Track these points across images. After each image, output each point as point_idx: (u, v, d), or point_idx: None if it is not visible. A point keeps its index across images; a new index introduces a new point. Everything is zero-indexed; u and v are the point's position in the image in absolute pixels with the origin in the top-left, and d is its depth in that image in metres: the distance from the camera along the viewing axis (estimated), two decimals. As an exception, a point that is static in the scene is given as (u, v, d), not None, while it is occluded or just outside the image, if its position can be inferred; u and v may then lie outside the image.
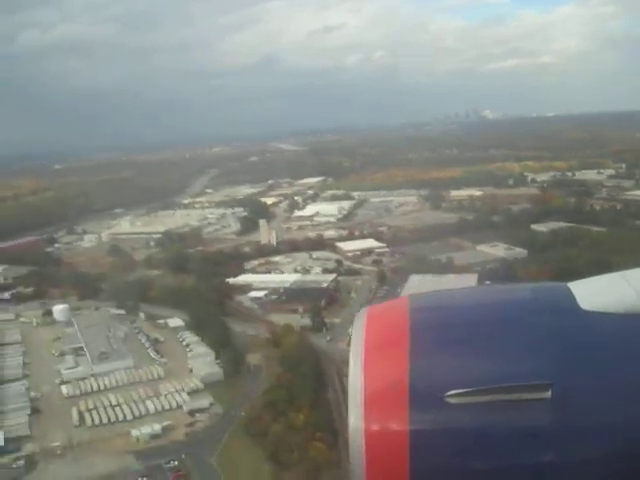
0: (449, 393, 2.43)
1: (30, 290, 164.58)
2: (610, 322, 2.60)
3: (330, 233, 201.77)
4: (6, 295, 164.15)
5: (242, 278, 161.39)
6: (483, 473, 2.43)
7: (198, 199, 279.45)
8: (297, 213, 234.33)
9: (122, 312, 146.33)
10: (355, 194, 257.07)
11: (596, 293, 2.81)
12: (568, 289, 2.88)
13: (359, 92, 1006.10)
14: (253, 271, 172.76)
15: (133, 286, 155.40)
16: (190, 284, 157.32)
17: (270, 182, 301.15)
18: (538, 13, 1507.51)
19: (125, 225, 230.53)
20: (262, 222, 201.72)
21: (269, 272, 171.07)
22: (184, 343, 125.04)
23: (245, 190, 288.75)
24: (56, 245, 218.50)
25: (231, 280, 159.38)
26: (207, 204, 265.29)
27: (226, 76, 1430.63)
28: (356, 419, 2.50)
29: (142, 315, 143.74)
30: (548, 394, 2.40)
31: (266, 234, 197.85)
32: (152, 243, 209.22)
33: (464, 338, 2.64)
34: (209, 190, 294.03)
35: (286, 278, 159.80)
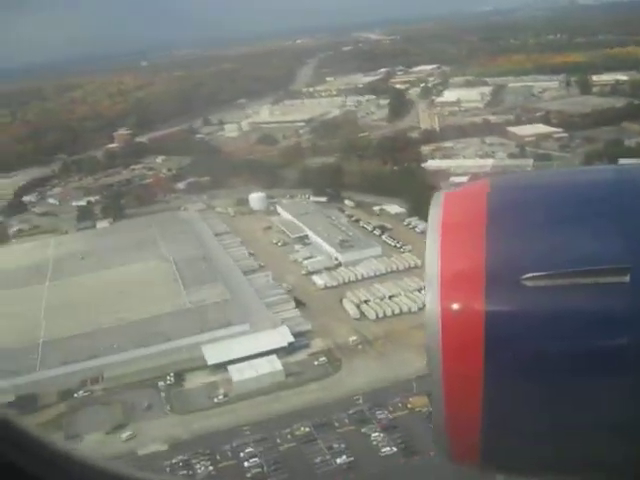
0: (526, 276, 2.33)
1: (206, 180, 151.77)
2: None
3: (491, 118, 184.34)
4: (181, 185, 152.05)
5: (434, 163, 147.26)
6: (558, 356, 2.34)
7: (318, 87, 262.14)
8: (438, 99, 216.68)
9: (323, 199, 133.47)
10: (488, 80, 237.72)
11: None
12: None
13: None
14: (430, 157, 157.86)
15: (324, 173, 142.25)
16: (381, 170, 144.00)
17: (383, 70, 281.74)
18: None
19: (264, 114, 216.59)
20: (422, 107, 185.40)
21: (449, 157, 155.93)
22: (417, 230, 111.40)
23: (363, 78, 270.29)
24: (198, 135, 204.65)
25: (424, 165, 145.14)
26: (333, 92, 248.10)
27: None
28: (432, 300, 2.44)
29: (348, 202, 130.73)
30: (627, 278, 2.27)
31: (427, 120, 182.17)
32: (301, 131, 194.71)
33: (542, 221, 2.50)
34: (329, 78, 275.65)
35: (482, 162, 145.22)
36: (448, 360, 2.41)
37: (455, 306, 2.38)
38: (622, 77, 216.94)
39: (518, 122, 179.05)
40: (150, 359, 79.66)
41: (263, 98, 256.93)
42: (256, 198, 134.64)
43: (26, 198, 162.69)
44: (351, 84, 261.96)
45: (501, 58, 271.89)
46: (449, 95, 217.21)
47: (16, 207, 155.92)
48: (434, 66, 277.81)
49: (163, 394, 76.36)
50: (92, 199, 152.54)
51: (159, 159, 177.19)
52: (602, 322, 2.28)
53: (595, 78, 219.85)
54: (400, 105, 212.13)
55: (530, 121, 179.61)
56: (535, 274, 2.32)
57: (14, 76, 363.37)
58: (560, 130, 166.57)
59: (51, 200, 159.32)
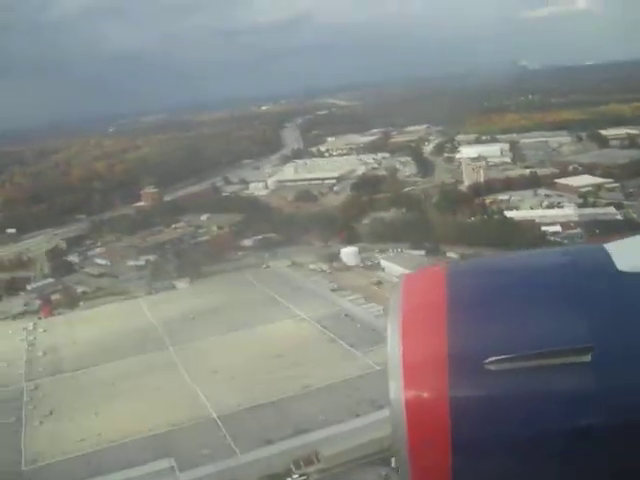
0: (489, 360, 2.26)
1: (272, 236, 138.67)
2: None
3: (526, 171, 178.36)
4: (248, 242, 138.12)
5: (516, 214, 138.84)
6: (525, 439, 2.25)
7: (321, 147, 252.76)
8: (458, 156, 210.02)
9: (421, 253, 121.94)
10: (498, 137, 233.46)
11: (633, 254, 2.59)
12: (605, 250, 2.65)
13: (390, 46, 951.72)
14: (489, 208, 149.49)
15: (396, 226, 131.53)
16: (460, 221, 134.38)
17: (376, 130, 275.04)
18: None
19: (289, 172, 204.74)
20: (465, 162, 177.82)
21: (513, 209, 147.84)
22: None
23: (360, 138, 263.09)
24: (225, 193, 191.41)
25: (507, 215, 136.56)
26: (342, 151, 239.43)
27: (256, 33, 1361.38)
28: (396, 388, 2.34)
29: (452, 255, 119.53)
30: (588, 357, 2.22)
31: (470, 174, 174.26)
32: (336, 188, 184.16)
33: (502, 304, 2.46)
34: (330, 138, 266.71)
35: (565, 212, 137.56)
36: (415, 452, 2.29)
37: (419, 395, 2.28)
38: (632, 131, 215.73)
39: (562, 174, 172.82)
40: (370, 430, 65.24)
41: (267, 158, 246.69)
42: (349, 253, 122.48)
43: (67, 258, 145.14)
44: (351, 144, 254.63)
45: (494, 117, 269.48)
46: (467, 151, 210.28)
47: (64, 268, 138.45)
48: (424, 126, 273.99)
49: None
50: (150, 258, 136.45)
51: (204, 217, 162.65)
52: (568, 402, 2.22)
53: (604, 132, 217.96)
54: (423, 162, 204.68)
55: (570, 173, 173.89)
56: (498, 358, 2.24)
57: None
58: (610, 180, 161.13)
59: (99, 260, 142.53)
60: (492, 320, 2.39)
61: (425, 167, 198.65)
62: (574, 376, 2.23)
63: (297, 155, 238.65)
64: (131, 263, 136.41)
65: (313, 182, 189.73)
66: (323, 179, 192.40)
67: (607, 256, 2.54)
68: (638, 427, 2.20)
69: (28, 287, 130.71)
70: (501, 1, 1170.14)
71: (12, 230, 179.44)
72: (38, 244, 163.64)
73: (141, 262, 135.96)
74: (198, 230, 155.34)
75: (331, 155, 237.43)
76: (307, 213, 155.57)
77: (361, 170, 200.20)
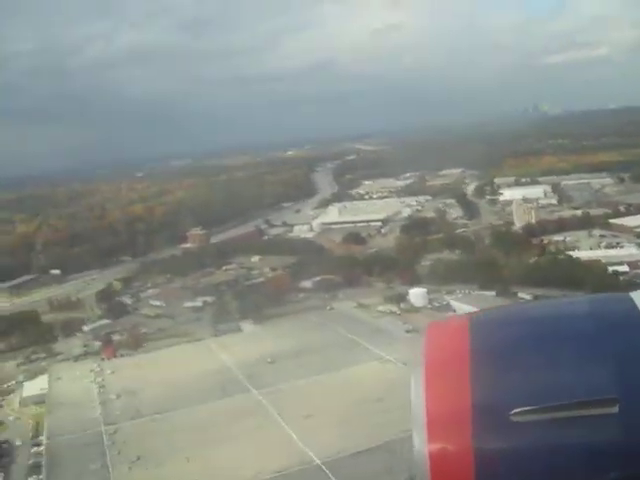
0: (514, 411, 2.24)
1: (331, 278, 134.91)
2: None
3: (576, 212, 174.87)
4: (308, 284, 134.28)
5: (582, 254, 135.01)
6: None
7: (360, 190, 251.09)
8: (501, 198, 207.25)
9: (491, 293, 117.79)
10: (538, 179, 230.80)
11: None
12: (631, 299, 2.62)
13: (410, 94, 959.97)
14: (547, 249, 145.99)
15: (471, 267, 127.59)
16: (521, 262, 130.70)
17: (409, 174, 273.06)
18: (591, 3, 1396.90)
19: (333, 214, 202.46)
20: (516, 203, 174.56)
21: (574, 249, 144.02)
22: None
23: (395, 182, 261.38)
24: (269, 236, 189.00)
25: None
26: (381, 194, 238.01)
27: (279, 80, 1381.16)
28: (420, 441, 2.34)
29: (524, 295, 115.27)
30: (615, 409, 2.18)
31: (522, 216, 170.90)
32: (383, 230, 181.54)
33: (526, 354, 2.42)
34: (367, 182, 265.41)
35: (628, 252, 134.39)
36: None
37: (443, 447, 2.25)
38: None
39: (614, 215, 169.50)
40: None
41: (304, 201, 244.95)
42: (418, 294, 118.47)
43: (120, 300, 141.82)
44: (388, 187, 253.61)
45: (530, 159, 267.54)
46: (511, 193, 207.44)
47: (117, 310, 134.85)
48: (459, 170, 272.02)
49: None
50: (207, 299, 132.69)
51: (255, 259, 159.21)
52: (594, 455, 2.17)
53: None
54: (467, 204, 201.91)
55: (621, 214, 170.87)
56: (523, 409, 2.21)
57: (12, 185, 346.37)
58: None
59: (154, 302, 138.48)
60: (516, 370, 2.34)
61: (470, 209, 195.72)
62: (600, 428, 2.17)
63: (336, 198, 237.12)
64: (188, 304, 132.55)
65: (358, 224, 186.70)
66: (368, 221, 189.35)
67: (633, 305, 2.47)
68: None
69: (84, 328, 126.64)
70: (520, 48, 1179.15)
71: (56, 271, 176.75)
72: (84, 284, 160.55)
73: (198, 303, 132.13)
74: (251, 272, 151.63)
75: (371, 198, 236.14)
76: (362, 255, 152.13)
77: (405, 212, 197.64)
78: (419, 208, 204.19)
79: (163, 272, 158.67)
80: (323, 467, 66.46)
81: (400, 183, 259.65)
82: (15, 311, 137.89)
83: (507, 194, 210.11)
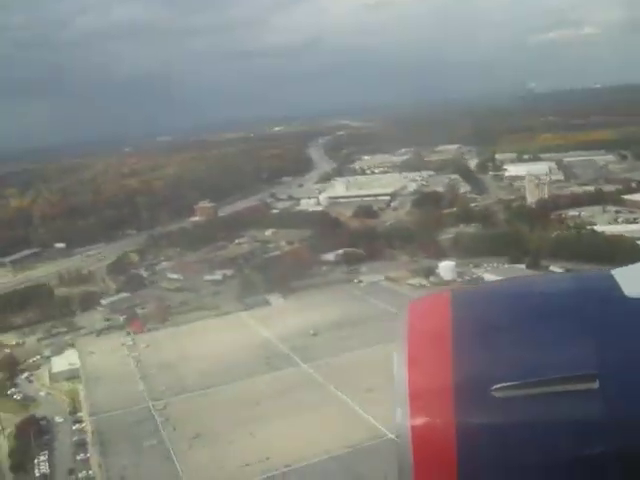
0: (495, 387, 2.25)
1: (356, 251, 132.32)
2: None
3: (586, 189, 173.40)
4: (330, 257, 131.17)
5: (601, 228, 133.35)
6: (531, 466, 2.24)
7: (358, 166, 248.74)
8: (507, 174, 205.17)
9: (521, 266, 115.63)
10: (540, 156, 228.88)
11: None
12: (612, 277, 2.65)
13: (399, 70, 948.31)
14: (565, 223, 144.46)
15: (495, 240, 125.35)
16: (548, 236, 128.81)
17: (405, 149, 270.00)
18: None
19: (340, 189, 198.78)
20: (528, 178, 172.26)
21: (591, 224, 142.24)
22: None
23: (392, 157, 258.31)
24: (276, 209, 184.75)
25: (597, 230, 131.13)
26: (382, 169, 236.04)
27: (267, 56, 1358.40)
28: (402, 416, 2.33)
29: (555, 269, 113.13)
30: (595, 384, 2.20)
31: (533, 191, 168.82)
32: (393, 204, 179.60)
33: (507, 330, 2.43)
34: (366, 157, 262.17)
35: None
36: (421, 478, 2.29)
37: (425, 422, 2.27)
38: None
39: (625, 191, 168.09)
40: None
41: (302, 176, 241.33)
42: (447, 267, 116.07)
43: (136, 272, 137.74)
44: (386, 162, 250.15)
45: (527, 137, 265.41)
46: (515, 170, 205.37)
47: (135, 283, 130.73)
48: (455, 146, 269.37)
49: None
50: (226, 273, 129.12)
51: (268, 232, 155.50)
52: (574, 430, 2.20)
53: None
54: (473, 180, 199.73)
55: (633, 190, 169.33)
56: (504, 385, 2.24)
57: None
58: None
59: (171, 275, 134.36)
60: (498, 347, 2.36)
61: (477, 184, 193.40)
62: (581, 403, 2.21)
63: (336, 173, 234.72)
64: (207, 277, 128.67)
65: (365, 198, 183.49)
66: (376, 195, 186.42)
67: (614, 282, 2.52)
68: None
69: (102, 302, 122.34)
70: (506, 27, 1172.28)
71: (61, 245, 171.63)
72: (96, 257, 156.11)
73: (217, 277, 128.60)
74: (267, 245, 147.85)
75: (373, 173, 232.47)
76: (378, 228, 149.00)
77: (411, 187, 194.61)
78: (424, 183, 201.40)
79: (173, 245, 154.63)
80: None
81: (397, 159, 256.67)
82: (28, 285, 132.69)
83: (512, 170, 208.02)
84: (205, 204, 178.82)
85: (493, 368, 2.31)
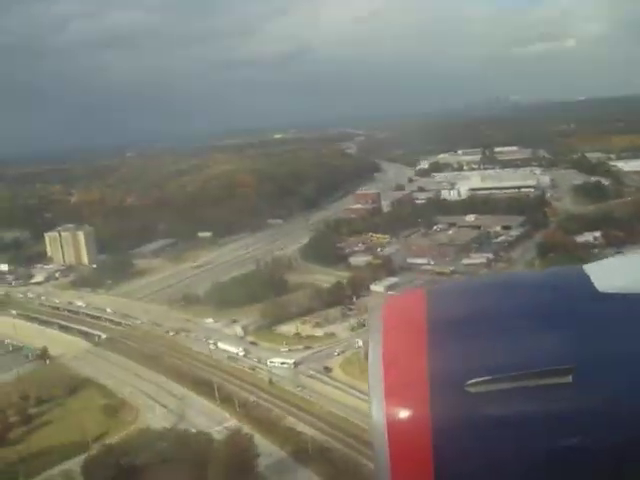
0: (469, 382, 2.21)
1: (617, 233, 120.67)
2: (627, 303, 2.36)
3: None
4: (590, 237, 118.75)
5: None
6: (507, 461, 2.21)
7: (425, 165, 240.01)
8: (624, 169, 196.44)
9: None
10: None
11: (612, 274, 2.53)
12: (583, 272, 2.59)
13: (386, 82, 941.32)
14: None
15: None
16: None
17: (468, 150, 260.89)
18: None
19: (476, 181, 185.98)
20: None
21: None
22: None
23: (464, 156, 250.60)
24: (418, 201, 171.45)
25: None
26: (473, 166, 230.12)
27: (258, 66, 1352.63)
28: (378, 411, 2.28)
29: None
30: (569, 378, 2.19)
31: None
32: (552, 194, 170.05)
33: (481, 326, 2.39)
34: (442, 155, 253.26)
35: None
36: (397, 475, 2.25)
37: (400, 417, 2.24)
38: None
39: None
40: None
41: (384, 173, 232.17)
42: None
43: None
44: (466, 160, 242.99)
45: (601, 138, 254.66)
46: (628, 166, 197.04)
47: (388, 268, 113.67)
48: (514, 147, 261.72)
49: None
50: (489, 256, 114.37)
51: (470, 217, 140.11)
52: (549, 423, 2.18)
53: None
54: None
55: None
56: (478, 379, 2.19)
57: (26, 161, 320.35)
58: None
59: (414, 260, 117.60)
60: (472, 342, 2.32)
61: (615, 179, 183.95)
62: (555, 397, 2.18)
63: (435, 169, 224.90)
64: (466, 262, 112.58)
65: (507, 190, 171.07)
66: (519, 187, 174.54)
67: (586, 277, 2.49)
68: (619, 448, 2.15)
69: (373, 287, 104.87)
70: (490, 39, 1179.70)
71: (206, 234, 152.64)
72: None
73: (477, 260, 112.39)
74: (489, 231, 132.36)
75: (472, 169, 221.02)
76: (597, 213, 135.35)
77: (543, 181, 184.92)
78: (552, 177, 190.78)
79: (360, 231, 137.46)
80: None
81: (468, 158, 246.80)
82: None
83: (625, 165, 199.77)
84: (366, 191, 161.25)
85: (468, 363, 2.25)
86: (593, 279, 2.45)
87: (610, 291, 2.38)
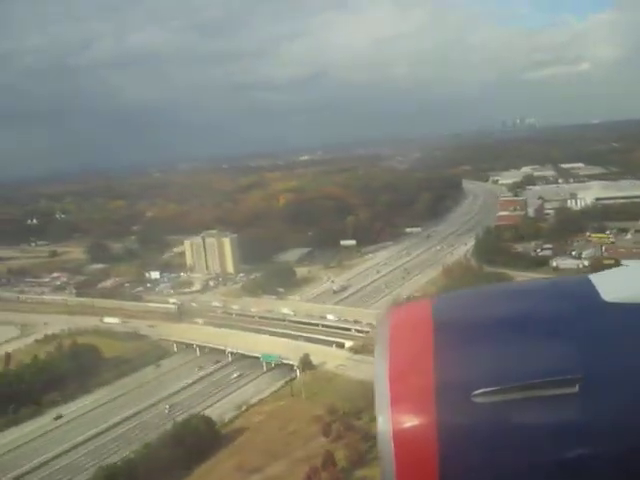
0: (476, 392, 2.18)
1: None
2: (633, 313, 2.32)
3: None
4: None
5: None
6: (513, 472, 2.18)
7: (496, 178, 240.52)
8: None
9: None
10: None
11: (618, 284, 2.52)
12: (589, 281, 2.58)
13: (400, 106, 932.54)
14: None
15: None
16: None
17: (535, 167, 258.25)
18: (574, 21, 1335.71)
19: (597, 191, 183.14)
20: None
21: None
22: None
23: (534, 172, 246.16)
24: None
25: None
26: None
27: (275, 89, 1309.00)
28: (384, 422, 2.27)
29: None
30: (575, 389, 2.16)
31: None
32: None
33: (488, 336, 2.38)
34: (506, 172, 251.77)
35: None
36: None
37: (407, 427, 2.21)
38: None
39: None
40: None
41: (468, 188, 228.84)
42: None
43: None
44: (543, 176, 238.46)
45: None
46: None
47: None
48: (580, 164, 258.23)
49: None
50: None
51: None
52: (556, 434, 2.14)
53: None
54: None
55: None
56: (485, 390, 2.16)
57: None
58: None
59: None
60: (479, 352, 2.30)
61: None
62: (561, 407, 2.15)
63: (529, 182, 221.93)
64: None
65: (633, 199, 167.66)
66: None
67: (592, 287, 2.46)
68: (626, 458, 2.11)
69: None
70: (504, 64, 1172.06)
71: (350, 242, 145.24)
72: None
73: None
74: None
75: (557, 183, 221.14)
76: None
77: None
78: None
79: (522, 238, 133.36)
80: None
81: (541, 173, 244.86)
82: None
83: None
84: (512, 198, 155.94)
85: (474, 373, 2.22)
86: (599, 289, 2.40)
87: (617, 301, 2.33)
